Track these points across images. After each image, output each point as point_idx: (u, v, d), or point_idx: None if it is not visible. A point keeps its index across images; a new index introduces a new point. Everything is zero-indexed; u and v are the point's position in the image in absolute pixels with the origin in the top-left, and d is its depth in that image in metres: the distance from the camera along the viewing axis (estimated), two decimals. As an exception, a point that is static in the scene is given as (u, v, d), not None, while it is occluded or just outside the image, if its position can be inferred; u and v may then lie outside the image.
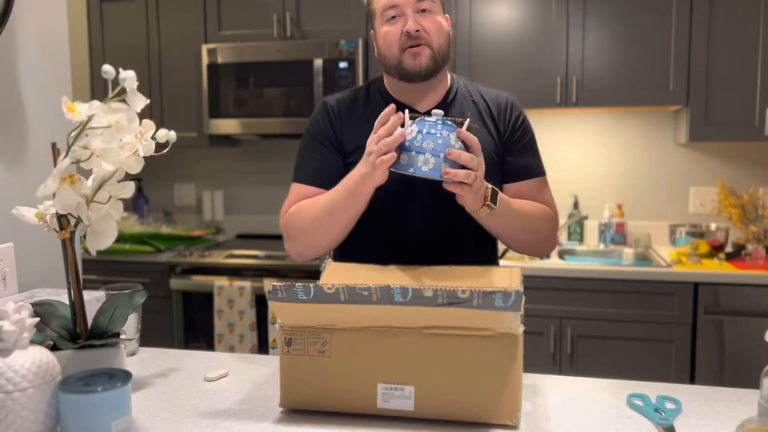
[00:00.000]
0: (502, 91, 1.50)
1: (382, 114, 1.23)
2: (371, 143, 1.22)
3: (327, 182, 1.39)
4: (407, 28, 1.32)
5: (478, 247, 1.45)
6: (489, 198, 1.25)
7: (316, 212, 1.35)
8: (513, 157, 1.44)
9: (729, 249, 2.77)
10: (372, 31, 1.44)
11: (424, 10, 1.34)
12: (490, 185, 1.26)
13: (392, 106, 1.24)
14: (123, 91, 0.96)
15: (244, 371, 1.25)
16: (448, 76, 1.47)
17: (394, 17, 1.35)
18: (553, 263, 2.66)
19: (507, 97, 1.48)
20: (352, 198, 1.29)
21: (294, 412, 1.05)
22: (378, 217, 1.38)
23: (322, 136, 1.44)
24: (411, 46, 1.34)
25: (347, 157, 1.42)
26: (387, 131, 1.20)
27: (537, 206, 1.44)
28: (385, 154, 1.19)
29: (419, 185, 1.34)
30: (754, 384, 1.06)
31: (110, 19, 3.24)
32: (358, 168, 1.26)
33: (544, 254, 1.54)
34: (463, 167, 1.18)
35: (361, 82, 2.90)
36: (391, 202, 1.38)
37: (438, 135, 1.19)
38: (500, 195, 1.29)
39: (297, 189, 1.44)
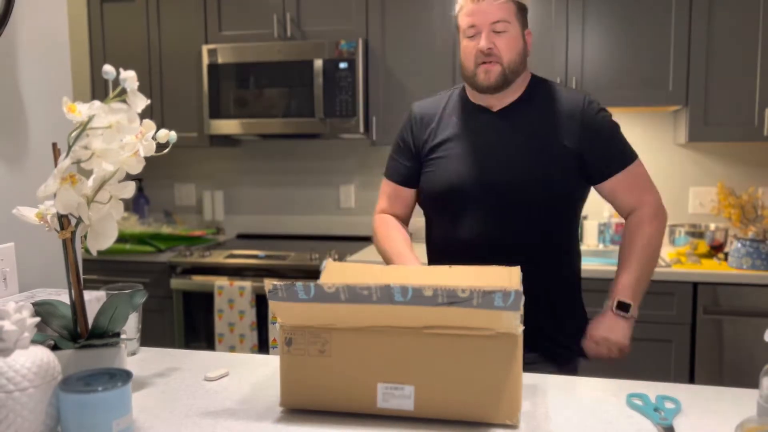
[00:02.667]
0: (580, 93, 1.57)
1: None
2: None
3: (408, 181, 1.64)
4: (480, 46, 1.47)
5: (543, 255, 1.54)
6: (623, 310, 1.61)
7: (380, 249, 1.66)
8: (595, 158, 1.51)
9: (728, 249, 2.77)
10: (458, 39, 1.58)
11: (498, 32, 1.47)
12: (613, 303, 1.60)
13: None
14: (123, 91, 0.96)
15: (244, 371, 1.25)
16: (528, 78, 1.58)
17: (473, 35, 1.49)
18: (553, 263, 2.66)
19: (583, 98, 1.54)
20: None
21: (294, 411, 1.05)
22: (451, 224, 1.54)
23: (402, 140, 1.65)
24: (483, 62, 1.48)
25: (423, 158, 1.60)
26: None
27: (644, 243, 1.56)
28: None
29: (484, 190, 1.50)
30: (754, 384, 1.06)
31: (111, 19, 3.24)
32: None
33: None
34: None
35: (361, 82, 2.90)
36: (461, 208, 1.52)
37: None
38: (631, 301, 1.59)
39: (385, 183, 1.71)
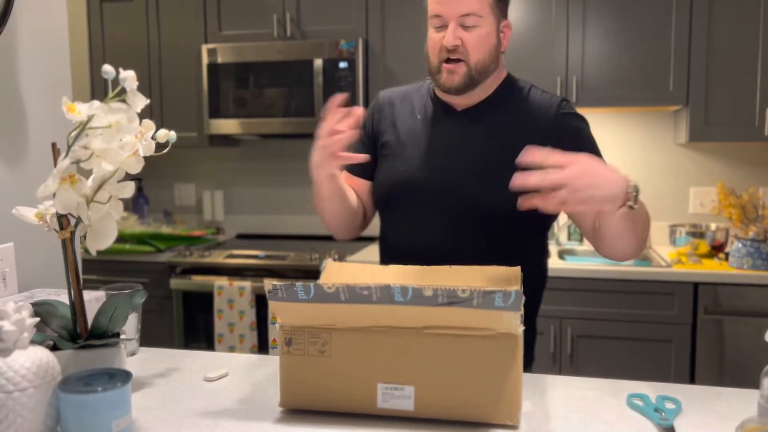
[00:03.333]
0: (556, 96, 1.42)
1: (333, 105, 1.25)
2: (318, 144, 1.26)
3: (362, 170, 1.49)
4: (445, 42, 1.31)
5: (506, 255, 1.29)
6: (633, 199, 1.13)
7: (315, 199, 1.46)
8: None
9: (729, 249, 2.77)
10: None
11: (468, 26, 1.31)
12: (633, 182, 1.13)
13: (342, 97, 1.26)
14: (123, 91, 0.96)
15: (244, 371, 1.25)
16: (503, 75, 1.44)
17: (439, 26, 1.34)
18: (553, 263, 2.66)
19: (558, 102, 1.39)
20: (317, 187, 1.38)
21: (294, 412, 1.05)
22: (399, 225, 1.43)
23: (363, 129, 1.50)
24: (448, 60, 1.33)
25: (379, 148, 1.49)
26: (329, 130, 1.24)
27: (646, 212, 1.32)
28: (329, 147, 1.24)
29: (436, 194, 1.37)
30: (754, 384, 1.06)
31: (110, 19, 3.24)
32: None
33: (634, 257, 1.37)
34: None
35: (361, 82, 2.90)
36: (409, 210, 1.40)
37: None
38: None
39: (343, 176, 1.52)
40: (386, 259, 1.47)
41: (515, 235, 1.37)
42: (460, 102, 1.42)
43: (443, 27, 1.33)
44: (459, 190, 1.35)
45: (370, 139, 1.50)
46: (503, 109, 1.40)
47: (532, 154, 1.08)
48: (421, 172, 1.39)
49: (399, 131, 1.45)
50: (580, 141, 1.37)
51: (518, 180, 1.06)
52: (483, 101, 1.42)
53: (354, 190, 1.50)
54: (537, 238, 1.45)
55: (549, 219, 1.40)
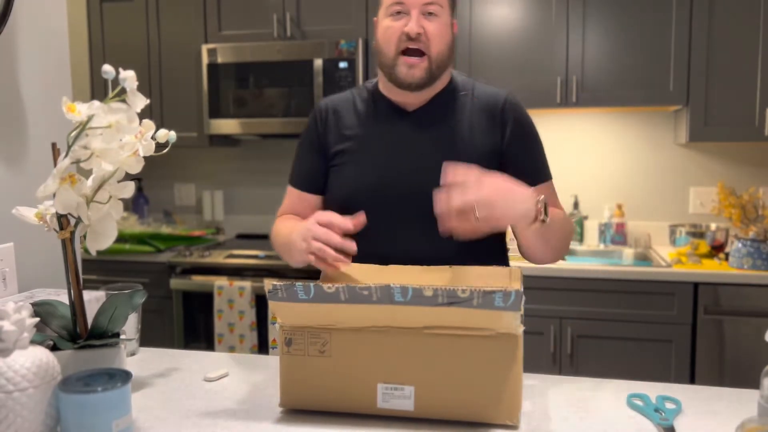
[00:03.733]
0: (502, 90, 1.41)
1: (340, 221, 1.18)
2: (312, 232, 1.17)
3: (313, 185, 1.44)
4: (408, 29, 1.27)
5: (473, 253, 1.34)
6: (543, 213, 1.13)
7: (279, 243, 1.41)
8: (516, 162, 1.35)
9: (729, 249, 2.77)
10: (375, 18, 1.38)
11: (430, 13, 1.29)
12: (541, 197, 1.14)
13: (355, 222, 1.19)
14: (123, 91, 0.96)
15: (244, 371, 1.25)
16: (449, 74, 1.41)
17: (399, 12, 1.30)
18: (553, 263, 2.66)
19: (505, 96, 1.39)
20: (291, 252, 1.29)
21: (294, 412, 1.05)
22: (368, 237, 1.33)
23: (309, 140, 1.45)
24: (408, 49, 1.29)
25: (330, 159, 1.41)
26: (327, 238, 1.16)
27: (567, 220, 1.37)
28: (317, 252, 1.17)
29: (400, 197, 1.33)
30: (754, 384, 1.06)
31: (110, 19, 3.24)
32: (296, 239, 1.22)
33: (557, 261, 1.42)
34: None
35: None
36: (373, 216, 1.31)
37: None
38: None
39: (289, 191, 1.50)
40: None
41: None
42: (411, 101, 1.38)
43: (403, 14, 1.29)
44: (422, 192, 1.30)
45: (319, 151, 1.43)
46: (453, 107, 1.38)
47: (453, 173, 1.11)
48: (382, 177, 1.35)
49: (351, 138, 1.40)
50: (527, 133, 1.39)
51: (441, 204, 1.10)
52: (432, 99, 1.39)
53: (304, 208, 1.44)
54: (498, 234, 1.43)
55: None
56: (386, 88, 1.40)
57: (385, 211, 1.33)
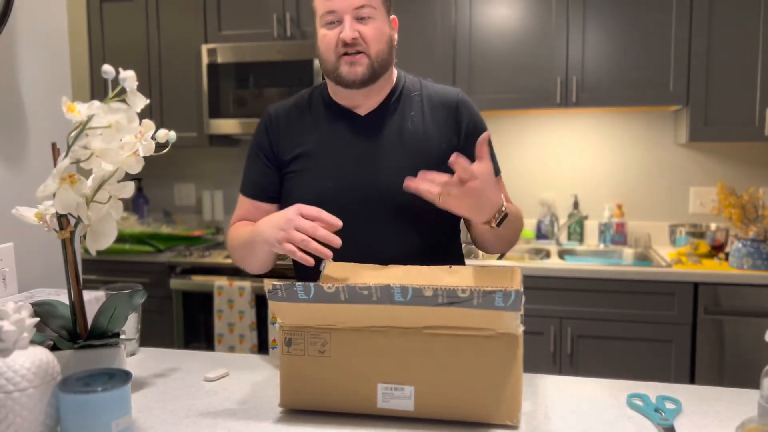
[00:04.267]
0: (453, 88, 1.43)
1: (328, 217, 1.16)
2: (295, 223, 1.15)
3: (265, 194, 1.43)
4: (343, 35, 1.28)
5: (442, 251, 1.43)
6: (497, 220, 1.23)
7: (238, 246, 1.38)
8: (472, 159, 1.31)
9: (729, 249, 2.77)
10: (314, 26, 1.38)
11: (363, 18, 1.29)
12: (503, 208, 1.22)
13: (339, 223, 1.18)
14: (123, 91, 0.96)
15: (244, 371, 1.25)
16: (395, 75, 1.42)
17: (332, 22, 1.30)
18: (553, 263, 2.66)
19: (457, 94, 1.40)
20: (253, 248, 1.29)
21: (294, 412, 1.05)
22: (342, 237, 1.32)
23: (258, 148, 1.44)
24: (347, 53, 1.30)
25: (284, 166, 1.40)
26: (313, 230, 1.14)
27: (520, 214, 1.40)
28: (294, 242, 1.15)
29: (363, 201, 1.34)
30: (754, 384, 1.06)
31: (110, 19, 3.24)
32: (266, 229, 1.21)
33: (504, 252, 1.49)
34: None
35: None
36: (350, 223, 1.29)
37: None
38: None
39: (241, 201, 1.48)
40: (305, 279, 1.37)
41: (442, 229, 1.41)
42: (362, 103, 1.38)
43: (337, 23, 1.30)
44: (381, 195, 1.33)
45: (271, 159, 1.42)
46: (405, 108, 1.39)
47: (428, 177, 1.19)
48: (341, 181, 1.35)
49: (305, 145, 1.39)
50: (480, 130, 1.39)
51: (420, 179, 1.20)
52: (383, 103, 1.39)
53: (259, 217, 1.39)
54: (456, 234, 1.48)
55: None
56: (336, 94, 1.40)
57: (345, 215, 1.29)
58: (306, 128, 1.41)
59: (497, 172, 1.41)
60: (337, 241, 1.16)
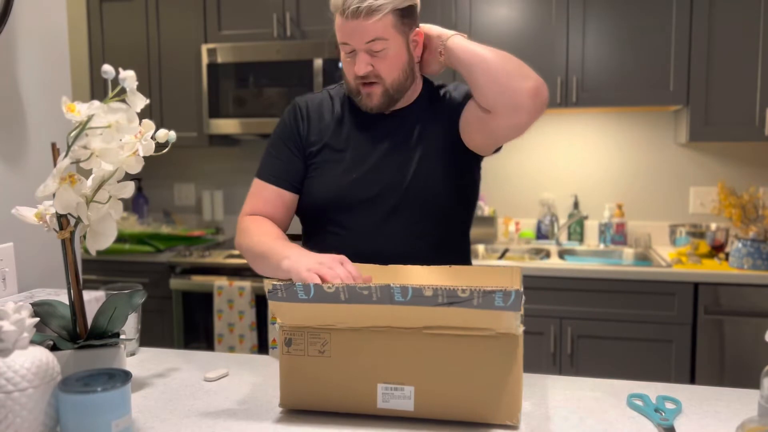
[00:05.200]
0: (460, 85, 1.44)
1: (359, 276, 1.10)
2: (338, 269, 1.08)
3: (290, 183, 1.41)
4: (356, 71, 1.31)
5: (455, 249, 1.45)
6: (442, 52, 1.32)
7: (253, 251, 1.30)
8: (465, 108, 1.38)
9: (729, 249, 2.77)
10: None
11: (376, 51, 1.29)
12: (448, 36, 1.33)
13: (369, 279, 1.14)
14: (123, 91, 0.96)
15: (244, 371, 1.25)
16: (421, 85, 1.43)
17: (349, 52, 1.32)
18: (553, 263, 2.66)
19: (447, 86, 1.45)
20: (269, 266, 1.23)
21: (294, 412, 1.05)
22: (318, 235, 1.38)
23: (286, 137, 1.44)
24: (364, 83, 1.33)
25: (310, 157, 1.42)
26: (346, 275, 1.08)
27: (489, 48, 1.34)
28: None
29: (386, 205, 1.36)
30: (754, 384, 1.06)
31: (110, 19, 3.24)
32: (293, 260, 1.13)
33: (524, 103, 1.26)
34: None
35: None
36: (358, 220, 1.36)
37: None
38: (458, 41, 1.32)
39: (258, 185, 1.44)
40: None
41: (457, 227, 1.44)
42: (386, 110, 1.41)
43: (353, 53, 1.32)
44: (406, 190, 1.36)
45: (299, 147, 1.43)
46: (431, 107, 1.42)
47: None
48: (365, 175, 1.37)
49: (332, 136, 1.41)
50: (460, 92, 1.42)
51: None
52: (411, 103, 1.42)
53: (278, 206, 1.41)
54: (465, 235, 1.50)
55: (473, 204, 1.49)
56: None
57: (365, 208, 1.36)
58: (333, 121, 1.43)
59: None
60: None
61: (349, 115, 1.43)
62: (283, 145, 1.44)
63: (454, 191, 1.40)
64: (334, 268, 1.08)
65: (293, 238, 1.43)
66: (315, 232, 1.43)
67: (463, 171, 1.41)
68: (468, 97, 1.38)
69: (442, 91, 1.45)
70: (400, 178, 1.37)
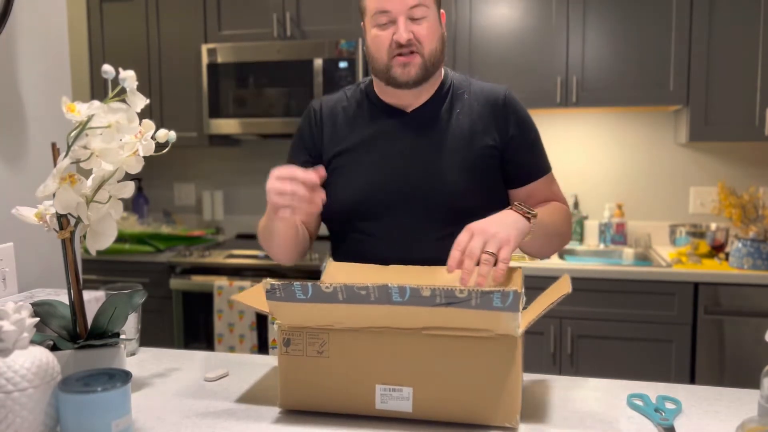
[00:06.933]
0: (500, 86, 1.41)
1: (302, 176, 1.12)
2: (279, 189, 1.11)
3: None
4: (397, 38, 1.26)
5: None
6: (530, 213, 1.20)
7: (262, 230, 1.37)
8: (518, 158, 1.37)
9: (729, 249, 2.77)
10: (362, 23, 1.36)
11: (417, 18, 1.28)
12: (518, 204, 1.21)
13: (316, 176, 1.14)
14: (123, 91, 0.96)
15: (244, 371, 1.25)
16: (442, 72, 1.40)
17: (385, 22, 1.28)
18: (553, 263, 2.66)
19: (504, 92, 1.38)
20: (272, 230, 1.29)
21: (293, 412, 1.05)
22: (369, 236, 1.35)
23: (302, 141, 1.44)
24: (400, 54, 1.28)
25: (328, 162, 1.39)
26: (293, 191, 1.10)
27: (556, 207, 1.40)
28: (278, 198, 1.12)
29: (409, 199, 1.33)
30: (754, 384, 1.06)
31: (110, 19, 3.24)
32: (269, 202, 1.16)
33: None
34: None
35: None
36: (381, 224, 1.34)
37: None
38: (537, 216, 1.22)
39: None
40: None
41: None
42: (410, 102, 1.37)
43: (390, 23, 1.28)
44: (425, 194, 1.32)
45: (313, 153, 1.41)
46: (451, 106, 1.37)
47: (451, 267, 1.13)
48: (386, 179, 1.34)
49: (349, 140, 1.38)
50: (529, 128, 1.39)
51: (453, 266, 1.13)
52: (430, 100, 1.38)
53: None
54: None
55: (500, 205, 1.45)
56: (383, 92, 1.39)
57: (388, 213, 1.33)
58: (350, 124, 1.39)
59: (548, 169, 1.43)
60: (321, 197, 1.14)
61: (366, 117, 1.39)
62: (299, 150, 1.44)
63: (473, 206, 1.32)
64: (281, 195, 1.11)
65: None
66: (341, 238, 1.41)
67: (488, 170, 1.36)
68: (531, 147, 1.38)
69: (495, 94, 1.38)
70: (420, 181, 1.33)
